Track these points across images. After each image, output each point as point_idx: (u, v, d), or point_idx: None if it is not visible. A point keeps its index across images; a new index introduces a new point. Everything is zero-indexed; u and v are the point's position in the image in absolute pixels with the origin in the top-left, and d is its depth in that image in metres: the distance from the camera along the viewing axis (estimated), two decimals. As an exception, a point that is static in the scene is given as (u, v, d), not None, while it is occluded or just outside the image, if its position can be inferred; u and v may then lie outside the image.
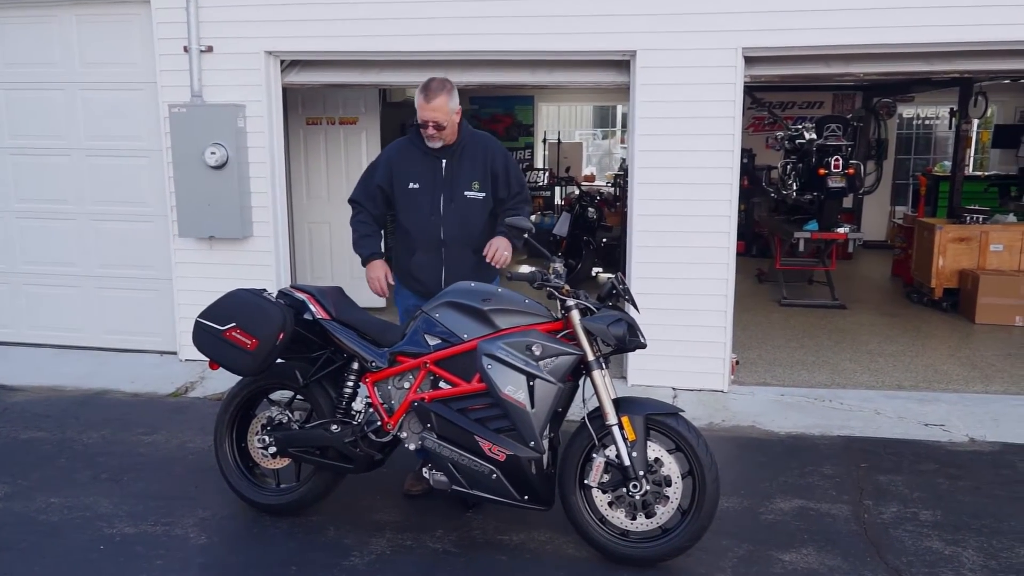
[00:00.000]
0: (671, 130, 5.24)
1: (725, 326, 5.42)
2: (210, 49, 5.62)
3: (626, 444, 3.21)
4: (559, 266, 3.38)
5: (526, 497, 3.28)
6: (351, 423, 3.48)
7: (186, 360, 5.96)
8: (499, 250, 3.61)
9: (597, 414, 3.30)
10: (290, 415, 3.63)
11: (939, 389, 5.54)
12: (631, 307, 3.42)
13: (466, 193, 3.74)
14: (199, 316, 3.52)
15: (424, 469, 3.44)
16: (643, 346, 3.32)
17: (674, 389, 5.43)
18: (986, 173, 10.42)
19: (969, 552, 3.45)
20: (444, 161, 3.72)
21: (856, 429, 4.88)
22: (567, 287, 3.32)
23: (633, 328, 3.28)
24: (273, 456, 3.62)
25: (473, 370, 3.29)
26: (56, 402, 5.28)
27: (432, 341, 3.40)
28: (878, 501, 3.93)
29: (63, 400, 5.32)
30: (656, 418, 3.25)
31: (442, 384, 3.38)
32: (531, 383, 3.20)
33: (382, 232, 3.98)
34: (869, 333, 7.01)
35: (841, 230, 7.65)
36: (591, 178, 11.80)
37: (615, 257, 9.31)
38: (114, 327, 6.20)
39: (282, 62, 5.75)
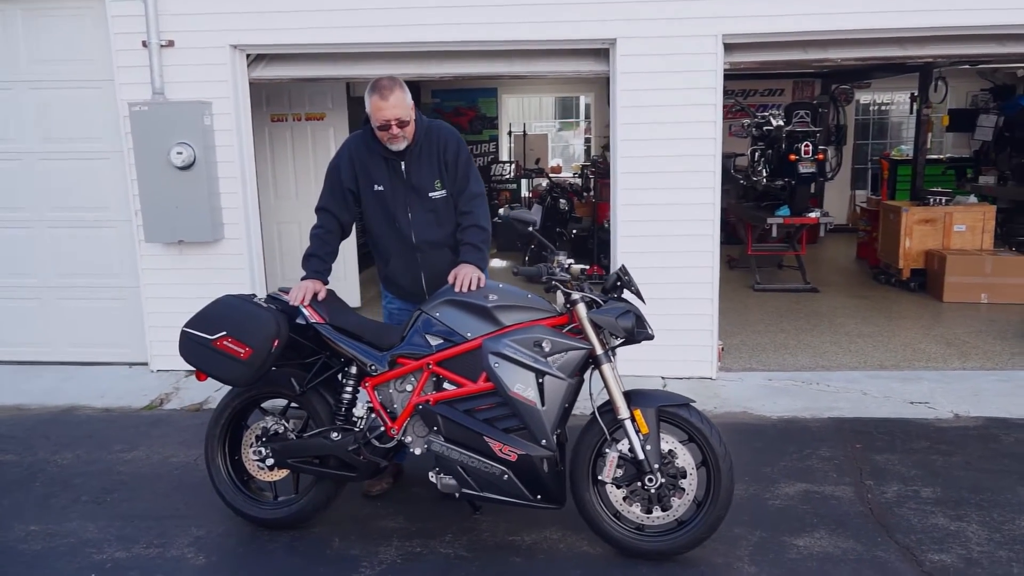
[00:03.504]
0: (653, 118, 5.20)
1: (712, 314, 5.41)
2: (171, 43, 5.39)
3: (639, 437, 3.15)
4: (563, 258, 3.29)
5: (539, 497, 3.20)
6: (352, 430, 3.35)
7: (158, 371, 5.73)
8: (471, 279, 3.30)
9: (607, 408, 3.23)
10: (286, 424, 3.48)
11: (920, 367, 5.62)
12: (636, 298, 3.35)
13: (431, 194, 3.55)
14: (185, 326, 3.34)
15: (431, 473, 3.33)
16: (651, 337, 3.25)
17: (663, 378, 5.41)
18: (942, 156, 10.65)
19: (973, 527, 3.48)
20: (403, 163, 3.52)
21: (845, 410, 4.91)
22: (572, 280, 3.24)
23: (641, 320, 3.22)
24: (270, 468, 3.46)
25: (479, 369, 3.20)
26: (21, 422, 5.01)
27: (434, 341, 3.29)
28: (879, 481, 3.95)
29: (28, 419, 5.05)
30: (668, 410, 3.20)
31: (446, 385, 3.27)
32: (540, 380, 3.12)
33: (338, 249, 3.72)
34: (844, 315, 7.10)
35: (812, 215, 7.72)
36: (557, 169, 11.75)
37: (587, 248, 9.28)
38: (79, 339, 5.93)
39: (248, 56, 5.55)
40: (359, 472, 3.39)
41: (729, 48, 5.16)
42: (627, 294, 3.32)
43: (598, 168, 10.55)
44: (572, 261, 3.32)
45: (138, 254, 5.64)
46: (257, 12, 5.33)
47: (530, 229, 3.27)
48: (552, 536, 3.46)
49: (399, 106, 3.39)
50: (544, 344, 3.11)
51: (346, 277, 7.20)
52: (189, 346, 3.31)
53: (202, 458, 4.22)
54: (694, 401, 3.26)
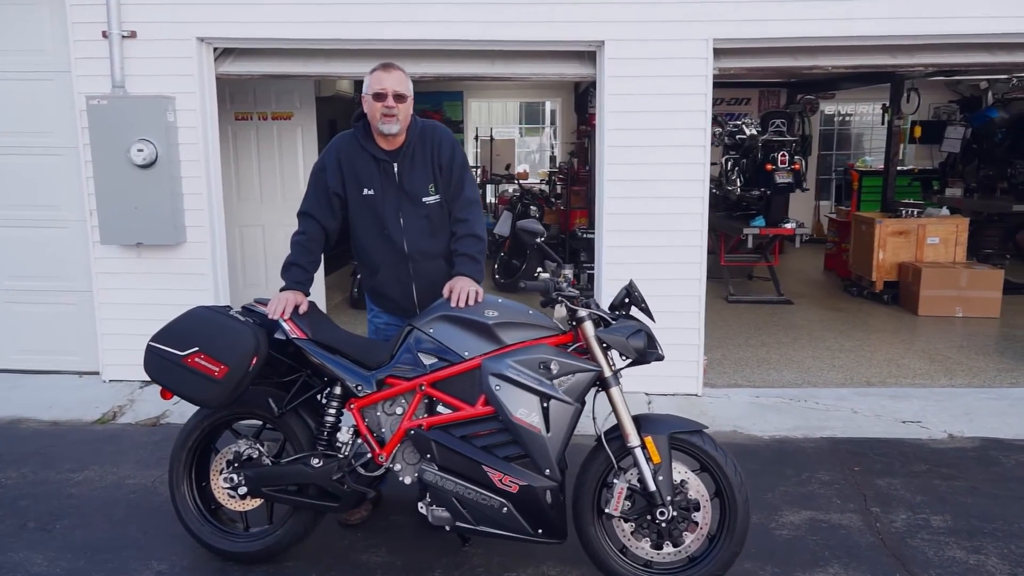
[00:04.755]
0: (641, 124, 5.01)
1: (698, 327, 5.24)
2: (133, 34, 5.02)
3: (650, 467, 2.93)
4: (569, 272, 3.07)
5: (540, 531, 2.95)
6: (336, 456, 3.06)
7: (111, 381, 5.34)
8: (468, 293, 3.06)
9: (613, 434, 3.01)
10: (260, 448, 3.17)
11: (907, 384, 5.53)
12: (644, 316, 3.13)
13: (424, 200, 3.28)
14: (152, 340, 3.01)
15: (420, 504, 3.06)
16: (661, 358, 3.05)
17: (647, 394, 5.21)
18: (907, 168, 10.71)
19: (993, 560, 3.34)
20: (396, 165, 3.25)
21: (837, 430, 4.77)
22: (580, 296, 3.01)
23: (652, 339, 3.01)
24: (242, 497, 3.15)
25: (477, 392, 2.94)
26: (-41, 436, 4.60)
27: (427, 360, 3.03)
28: (885, 508, 3.79)
29: (-32, 433, 4.64)
30: (680, 436, 2.99)
31: (441, 408, 3.01)
32: (545, 405, 2.88)
33: (321, 259, 3.43)
34: (822, 328, 7.01)
35: (788, 225, 7.63)
36: (524, 175, 11.53)
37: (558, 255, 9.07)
38: (26, 346, 5.52)
39: (215, 50, 5.20)
40: (342, 502, 3.11)
41: (718, 54, 4.99)
42: (634, 311, 3.11)
43: (566, 175, 10.36)
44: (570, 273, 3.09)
45: (92, 256, 5.25)
46: (226, 3, 5.02)
47: (538, 241, 3.03)
48: (550, 572, 3.22)
49: (400, 83, 3.16)
50: (552, 366, 2.87)
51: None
52: (155, 362, 2.98)
53: (161, 479, 3.94)
54: (707, 427, 3.06)
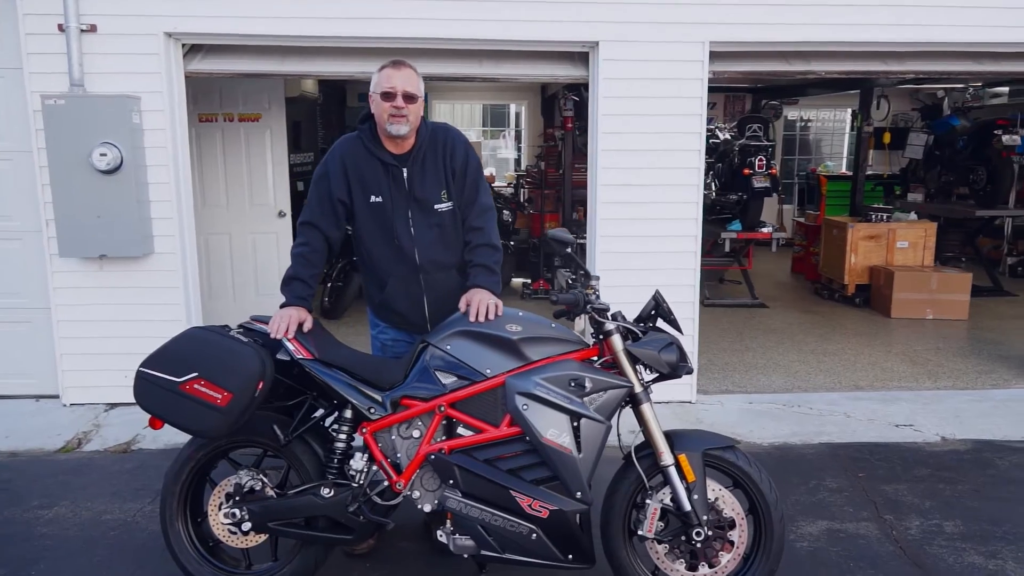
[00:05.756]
0: (635, 128, 4.89)
1: (693, 333, 5.15)
2: (93, 28, 4.69)
3: (685, 486, 2.79)
4: (596, 283, 2.91)
5: (570, 556, 2.78)
6: (349, 485, 2.84)
7: (72, 405, 4.98)
8: (487, 306, 2.87)
9: (642, 452, 2.86)
10: (264, 479, 2.93)
11: (894, 388, 5.53)
12: (672, 328, 2.99)
13: (436, 207, 3.08)
14: (143, 365, 2.74)
15: (439, 531, 2.86)
16: (691, 371, 2.92)
17: (641, 404, 5.09)
18: (875, 173, 10.88)
19: (1011, 564, 3.31)
20: (405, 170, 3.05)
21: (834, 435, 4.73)
22: (608, 309, 2.85)
23: (683, 353, 2.87)
24: (245, 533, 2.90)
25: (501, 412, 2.76)
26: (-94, 469, 4.20)
27: (446, 379, 2.83)
28: (897, 515, 3.74)
29: (-85, 466, 4.24)
30: (713, 453, 2.85)
31: (461, 430, 2.81)
32: (575, 424, 2.71)
33: (322, 272, 3.24)
34: (802, 332, 7.01)
35: (765, 230, 7.63)
36: (491, 179, 11.34)
37: (530, 261, 8.93)
38: (-26, 369, 5.10)
39: (184, 46, 4.90)
40: (356, 534, 2.89)
41: (714, 57, 4.91)
42: (662, 323, 2.97)
43: (533, 178, 10.22)
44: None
45: (49, 271, 4.87)
46: (196, -3, 4.72)
47: (568, 250, 2.86)
48: (576, 598, 3.04)
49: (410, 81, 2.96)
50: (586, 383, 2.70)
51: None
52: (148, 390, 2.71)
53: (143, 513, 3.68)
54: (739, 442, 2.94)
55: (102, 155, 4.60)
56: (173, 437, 4.30)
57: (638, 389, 2.81)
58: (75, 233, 4.73)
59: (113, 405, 4.96)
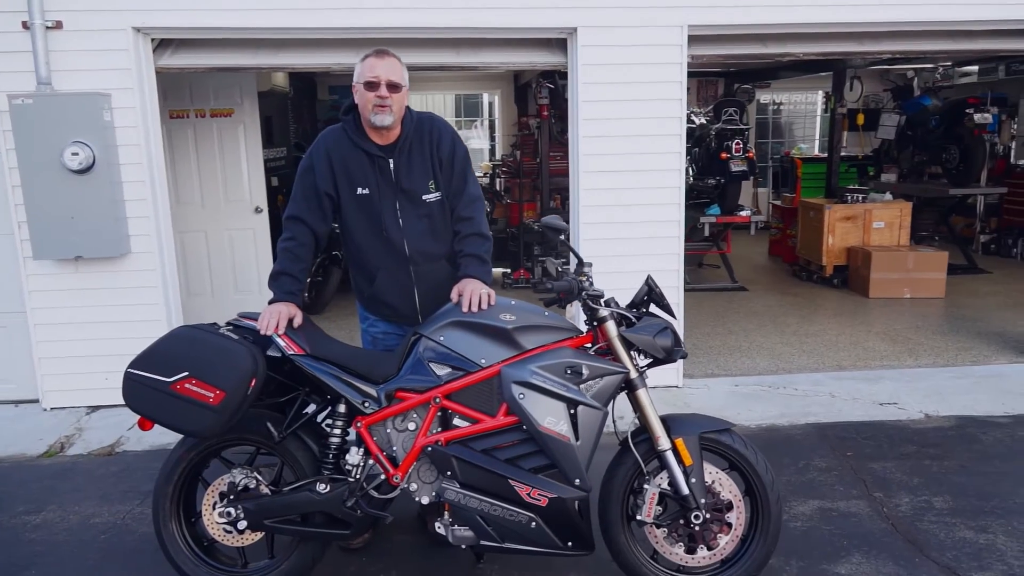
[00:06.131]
0: (616, 114, 4.88)
1: (679, 318, 5.14)
2: (59, 25, 4.57)
3: (682, 470, 2.79)
4: (589, 270, 2.90)
5: (569, 544, 2.78)
6: (345, 480, 2.81)
7: (52, 409, 4.89)
8: (479, 296, 2.84)
9: (638, 437, 2.86)
10: (259, 477, 2.89)
11: (876, 367, 5.59)
12: (665, 313, 2.99)
13: (424, 197, 3.05)
14: (131, 366, 2.68)
15: (437, 523, 2.84)
16: (685, 356, 2.93)
17: (629, 390, 5.10)
18: (849, 155, 10.97)
19: (1001, 538, 3.35)
20: (391, 161, 3.01)
21: (820, 415, 4.77)
22: (602, 295, 2.85)
23: (677, 337, 2.87)
24: (241, 531, 2.86)
25: (497, 401, 2.75)
26: None
27: (440, 371, 2.81)
28: (887, 493, 3.78)
29: None
30: (709, 436, 2.86)
31: (457, 421, 2.80)
32: (573, 411, 2.70)
33: (310, 267, 3.20)
34: (783, 314, 7.07)
35: (744, 213, 7.67)
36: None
37: (509, 251, 8.91)
38: (-50, 375, 4.98)
39: (153, 41, 4.80)
40: (353, 529, 2.86)
41: (692, 41, 4.90)
42: (654, 308, 2.97)
43: (510, 168, 10.19)
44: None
45: (24, 274, 4.77)
46: (165, -11, 4.62)
47: (561, 238, 2.84)
48: (576, 585, 3.05)
49: (394, 70, 2.92)
50: (583, 370, 2.70)
51: (261, 286, 6.45)
52: (137, 391, 2.65)
53: (132, 515, 3.63)
54: (735, 425, 2.95)
55: (74, 154, 4.50)
56: (158, 439, 4.26)
57: (634, 375, 2.81)
58: (49, 235, 4.63)
59: (95, 408, 4.87)
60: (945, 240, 9.62)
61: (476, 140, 13.80)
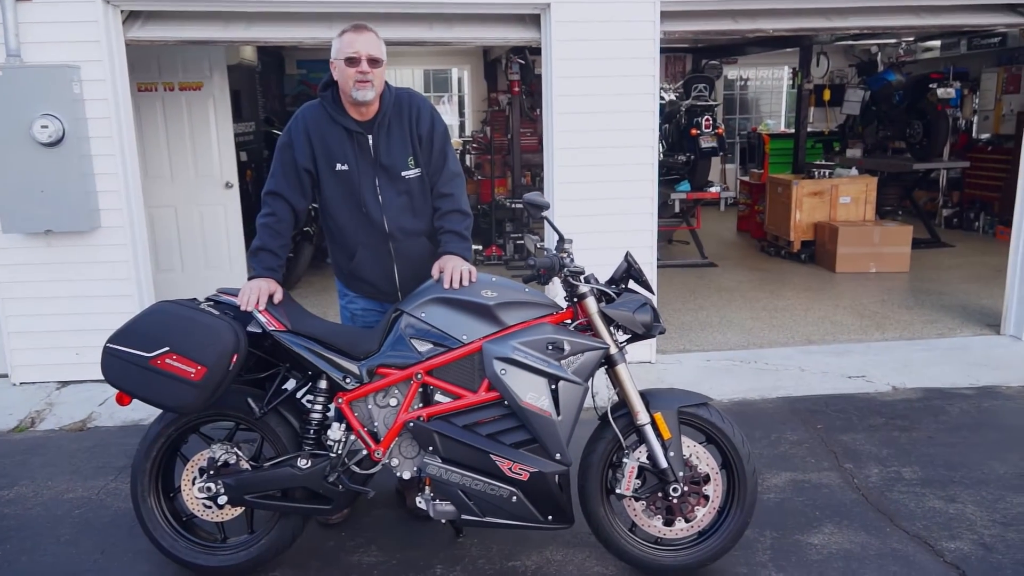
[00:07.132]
0: (589, 90, 4.88)
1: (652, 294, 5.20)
2: (27, -4, 4.45)
3: (661, 444, 2.85)
4: (569, 246, 2.92)
5: (550, 517, 2.83)
6: (326, 455, 2.82)
7: (22, 384, 4.82)
8: (460, 273, 2.85)
9: (618, 412, 2.91)
10: (239, 453, 2.89)
11: (844, 340, 5.71)
12: (643, 289, 3.03)
13: (403, 174, 3.04)
14: (110, 341, 2.66)
15: (419, 498, 2.87)
16: (663, 331, 2.97)
17: (603, 365, 5.16)
18: (816, 130, 11.09)
19: (970, 508, 3.45)
20: (370, 137, 2.99)
21: (791, 389, 4.88)
22: (583, 272, 2.87)
23: (656, 312, 2.91)
24: (221, 507, 2.86)
25: (479, 377, 2.77)
26: None
27: (422, 347, 2.82)
28: (857, 464, 3.88)
29: None
30: (687, 410, 2.92)
31: (439, 397, 2.82)
32: (554, 387, 2.74)
33: (290, 242, 3.19)
34: (752, 289, 7.17)
35: (714, 189, 7.74)
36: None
37: (480, 228, 8.89)
38: (-84, 352, 4.88)
39: (123, 12, 4.69)
40: (334, 504, 2.88)
41: (664, 16, 4.91)
42: (633, 285, 3.00)
43: (480, 144, 10.14)
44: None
45: (-9, 248, 4.68)
46: (133, -41, 4.51)
47: (544, 214, 2.85)
48: (555, 557, 3.11)
49: (373, 45, 2.89)
50: (564, 346, 2.73)
51: (231, 261, 6.40)
52: (116, 366, 2.64)
53: (107, 490, 3.63)
54: (712, 400, 3.00)
55: (43, 127, 4.42)
56: (130, 414, 4.23)
57: (613, 350, 2.85)
58: (18, 208, 4.55)
59: (65, 383, 4.82)
60: (908, 214, 9.81)
61: (445, 116, 13.72)
